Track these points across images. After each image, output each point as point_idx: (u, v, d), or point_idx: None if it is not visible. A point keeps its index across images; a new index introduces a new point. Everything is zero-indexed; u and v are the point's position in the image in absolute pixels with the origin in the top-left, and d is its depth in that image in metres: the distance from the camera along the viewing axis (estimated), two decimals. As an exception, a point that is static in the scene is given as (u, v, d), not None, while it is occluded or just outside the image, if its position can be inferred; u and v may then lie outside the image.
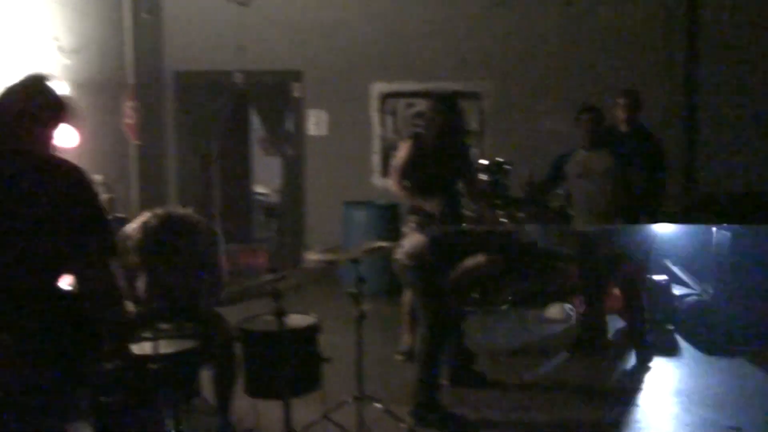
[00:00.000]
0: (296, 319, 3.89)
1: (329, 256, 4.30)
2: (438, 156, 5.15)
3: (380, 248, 4.22)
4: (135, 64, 7.47)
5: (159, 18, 8.23)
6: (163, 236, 4.02)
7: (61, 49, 5.91)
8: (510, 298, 7.17)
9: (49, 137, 2.45)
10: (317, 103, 8.43)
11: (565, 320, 6.73)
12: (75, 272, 2.31)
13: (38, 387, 2.13)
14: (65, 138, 5.64)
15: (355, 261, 3.93)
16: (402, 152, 5.25)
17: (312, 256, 4.30)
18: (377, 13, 8.20)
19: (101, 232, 2.39)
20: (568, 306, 6.81)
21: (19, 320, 2.14)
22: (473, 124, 8.37)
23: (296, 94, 8.45)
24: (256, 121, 9.76)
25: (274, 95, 8.60)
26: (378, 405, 4.25)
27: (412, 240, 4.44)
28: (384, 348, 5.68)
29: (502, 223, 6.76)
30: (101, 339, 2.35)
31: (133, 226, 4.09)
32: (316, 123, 8.46)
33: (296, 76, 8.40)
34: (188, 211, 4.22)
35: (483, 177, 7.38)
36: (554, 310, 6.84)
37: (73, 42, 6.17)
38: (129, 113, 7.20)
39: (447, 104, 5.29)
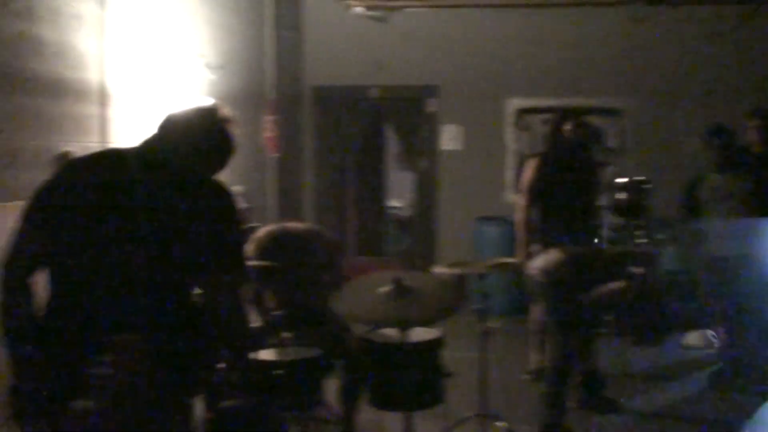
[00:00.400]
0: (420, 332, 3.87)
1: (455, 270, 4.25)
2: (564, 173, 5.04)
3: (508, 264, 4.13)
4: (275, 79, 7.71)
5: (299, 34, 8.48)
6: (276, 252, 4.10)
7: (206, 65, 6.18)
8: (644, 323, 6.87)
9: (215, 170, 2.47)
10: (452, 118, 8.41)
11: (706, 347, 6.37)
12: (204, 292, 2.36)
13: (163, 389, 2.20)
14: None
15: (481, 276, 3.87)
16: (528, 171, 5.18)
17: (438, 270, 4.26)
18: (514, 27, 8.11)
19: (236, 259, 2.43)
20: (710, 333, 6.44)
21: (152, 324, 2.22)
22: (613, 141, 8.13)
23: (432, 109, 8.47)
24: (391, 136, 9.85)
25: (409, 110, 8.66)
26: (501, 423, 4.16)
27: (548, 257, 4.34)
28: (510, 367, 5.56)
29: (641, 244, 6.51)
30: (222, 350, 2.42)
31: (255, 237, 4.21)
32: (450, 138, 8.45)
33: (432, 91, 8.42)
34: (305, 224, 4.31)
35: (621, 196, 7.13)
36: (694, 337, 6.49)
37: (217, 58, 6.44)
38: (269, 127, 7.42)
39: (570, 120, 5.19)
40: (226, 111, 2.51)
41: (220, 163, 2.45)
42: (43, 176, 4.21)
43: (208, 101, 2.60)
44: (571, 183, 5.04)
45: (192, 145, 2.37)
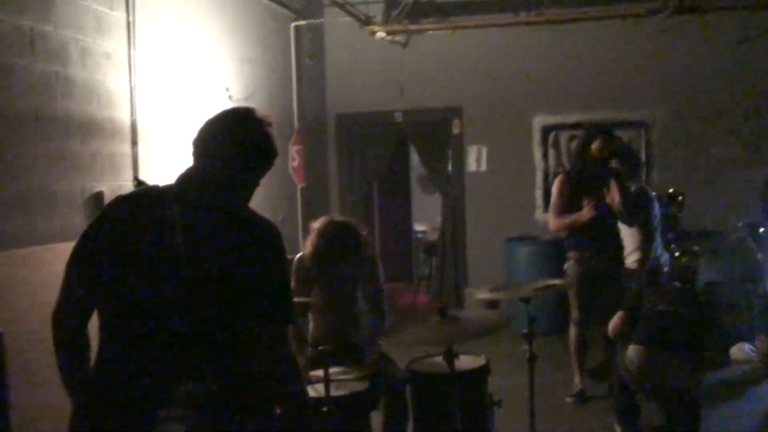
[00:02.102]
0: (466, 361, 3.79)
1: (497, 295, 4.17)
2: (587, 187, 5.21)
3: (552, 287, 4.05)
4: (300, 108, 7.71)
5: (322, 63, 8.49)
6: (339, 238, 4.14)
7: (231, 97, 6.18)
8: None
9: (255, 187, 2.31)
10: (477, 138, 8.36)
11: (748, 361, 6.23)
12: (256, 337, 2.24)
13: None
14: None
15: (525, 300, 3.79)
16: (555, 189, 5.38)
17: (479, 296, 4.18)
18: (536, 45, 8.05)
19: (286, 300, 2.32)
20: (748, 346, 6.29)
21: (206, 372, 2.15)
22: (640, 154, 8.05)
23: (456, 130, 8.42)
24: (415, 159, 9.82)
25: (433, 133, 8.61)
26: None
27: None
28: (552, 389, 5.47)
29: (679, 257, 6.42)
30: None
31: (309, 242, 4.22)
32: (476, 159, 8.39)
33: (456, 112, 8.38)
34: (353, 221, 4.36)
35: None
36: (735, 351, 6.36)
37: (242, 90, 6.44)
38: (294, 156, 7.41)
39: (598, 137, 5.30)
40: (259, 111, 2.33)
41: (263, 165, 2.29)
42: (77, 217, 4.25)
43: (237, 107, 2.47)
44: (592, 190, 5.21)
45: (230, 148, 2.23)
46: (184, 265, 2.13)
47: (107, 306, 2.19)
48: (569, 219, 5.31)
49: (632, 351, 4.36)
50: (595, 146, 5.29)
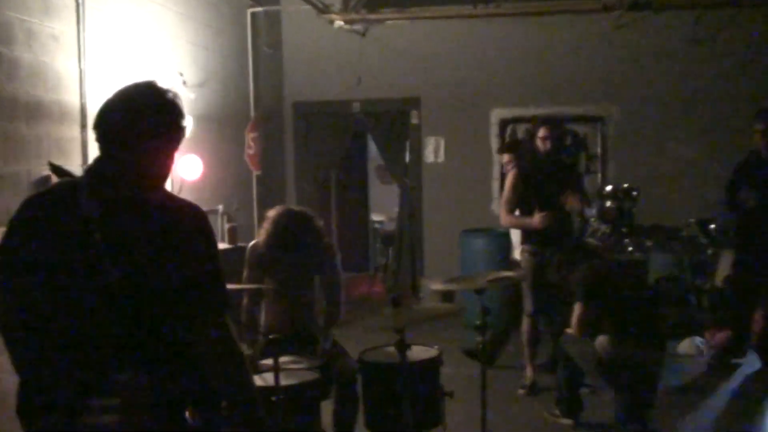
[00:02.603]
0: (418, 351, 3.78)
1: (452, 286, 4.17)
2: (539, 180, 5.24)
3: (505, 278, 4.06)
4: (256, 97, 7.63)
5: (279, 51, 8.40)
6: (293, 227, 4.10)
7: (185, 83, 6.08)
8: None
9: (170, 164, 2.19)
10: (435, 130, 8.36)
11: (697, 355, 6.32)
12: (191, 332, 2.15)
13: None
14: (189, 170, 5.79)
15: (479, 291, 3.78)
16: (508, 183, 5.41)
17: (433, 286, 4.18)
18: (495, 38, 8.07)
19: (218, 287, 2.21)
20: (698, 339, 6.39)
21: (146, 365, 2.07)
22: (596, 148, 8.13)
23: (414, 121, 8.40)
24: (373, 149, 9.78)
25: (391, 123, 8.59)
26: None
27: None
28: (505, 381, 5.51)
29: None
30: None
31: (263, 229, 4.17)
32: (434, 150, 8.39)
33: (414, 103, 8.36)
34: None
35: (609, 203, 7.13)
36: (686, 345, 6.45)
37: (197, 76, 6.34)
38: (250, 144, 7.33)
39: (543, 127, 5.31)
40: (158, 83, 2.18)
41: (171, 135, 2.15)
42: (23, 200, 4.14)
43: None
44: (545, 188, 5.21)
45: (132, 123, 2.09)
46: (106, 265, 2.04)
47: (31, 311, 2.09)
48: (520, 222, 5.35)
49: (601, 342, 4.39)
50: (540, 134, 5.28)
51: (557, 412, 4.79)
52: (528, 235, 5.34)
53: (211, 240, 2.21)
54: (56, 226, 2.09)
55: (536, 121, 5.61)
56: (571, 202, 5.17)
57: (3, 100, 4.12)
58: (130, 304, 2.06)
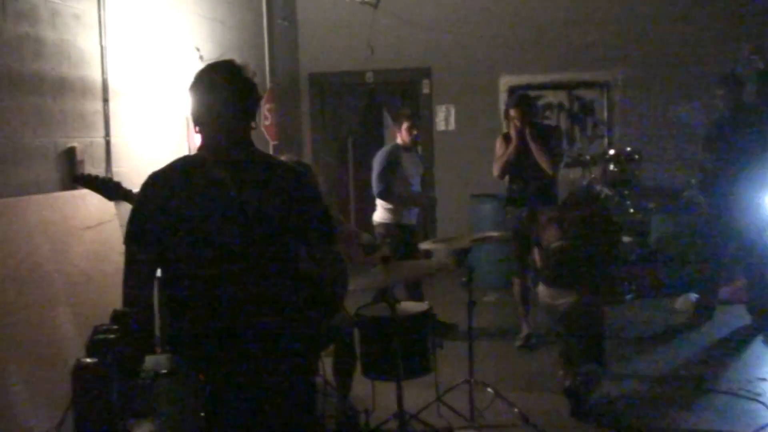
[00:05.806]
0: (410, 306, 4.10)
1: (440, 245, 4.48)
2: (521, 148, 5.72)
3: (489, 238, 4.35)
4: (272, 69, 7.92)
5: (294, 24, 8.68)
6: None
7: (202, 57, 6.37)
8: (633, 288, 7.11)
9: (251, 128, 2.65)
10: (446, 98, 8.62)
11: (693, 310, 6.56)
12: (311, 260, 2.62)
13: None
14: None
15: (464, 250, 4.09)
16: (496, 147, 5.99)
17: (424, 246, 4.48)
18: (503, 5, 8.29)
19: (327, 224, 2.69)
20: (693, 296, 6.64)
21: (270, 299, 2.51)
22: (603, 113, 8.34)
23: (425, 90, 8.66)
24: (388, 119, 10.04)
25: (404, 93, 8.85)
26: (490, 390, 4.40)
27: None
28: (501, 336, 5.87)
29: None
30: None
31: None
32: (444, 118, 8.65)
33: (425, 73, 8.61)
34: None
35: (612, 167, 7.36)
36: (681, 300, 6.71)
37: (213, 51, 6.63)
38: (267, 115, 7.62)
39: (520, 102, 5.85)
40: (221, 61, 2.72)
41: (254, 101, 2.65)
42: (51, 171, 4.49)
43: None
44: (522, 154, 5.72)
45: (226, 97, 2.57)
46: (243, 213, 2.49)
47: (172, 264, 2.53)
48: (501, 159, 5.89)
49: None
50: (511, 114, 5.85)
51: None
52: (509, 197, 5.90)
53: (317, 189, 2.76)
54: (191, 189, 2.51)
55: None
56: (542, 163, 5.63)
57: (30, 77, 4.43)
58: (260, 244, 2.50)
